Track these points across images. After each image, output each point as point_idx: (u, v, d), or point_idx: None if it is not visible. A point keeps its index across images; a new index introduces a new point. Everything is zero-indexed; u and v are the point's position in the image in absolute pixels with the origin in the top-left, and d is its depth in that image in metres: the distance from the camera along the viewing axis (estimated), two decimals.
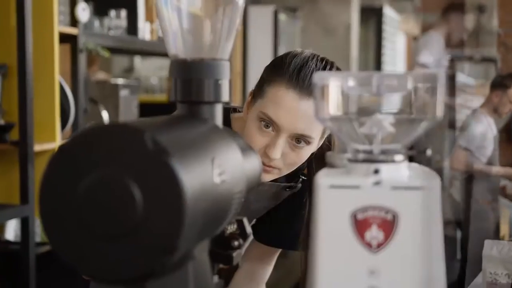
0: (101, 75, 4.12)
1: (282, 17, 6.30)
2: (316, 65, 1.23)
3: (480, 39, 8.96)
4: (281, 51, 6.36)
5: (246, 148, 0.84)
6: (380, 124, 0.69)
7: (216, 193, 0.68)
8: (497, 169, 4.53)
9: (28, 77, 2.39)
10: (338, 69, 1.30)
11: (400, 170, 0.69)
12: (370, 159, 0.69)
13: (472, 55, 5.65)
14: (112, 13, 3.07)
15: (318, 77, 0.70)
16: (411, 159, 0.70)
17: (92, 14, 2.94)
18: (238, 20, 0.83)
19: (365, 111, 0.71)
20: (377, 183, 0.67)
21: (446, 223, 4.41)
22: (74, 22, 2.70)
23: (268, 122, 1.25)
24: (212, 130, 0.75)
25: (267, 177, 1.30)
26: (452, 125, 4.67)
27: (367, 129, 0.70)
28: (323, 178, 0.68)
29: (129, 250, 0.60)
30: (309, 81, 1.20)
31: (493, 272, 1.87)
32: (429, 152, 0.70)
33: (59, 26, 2.58)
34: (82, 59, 2.74)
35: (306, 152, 1.28)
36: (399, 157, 0.69)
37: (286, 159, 1.27)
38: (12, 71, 2.47)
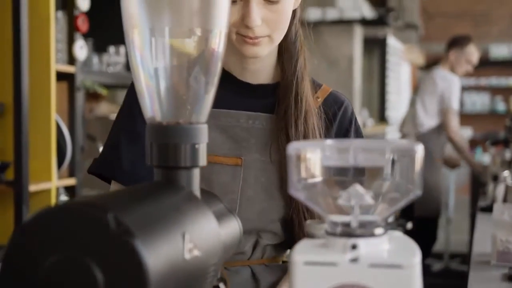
0: (104, 107, 4.11)
1: None
2: None
3: (403, 5, 8.98)
4: None
5: (224, 213, 0.82)
6: (358, 195, 0.67)
7: (188, 270, 0.65)
8: (471, 157, 4.59)
9: (23, 116, 2.38)
10: None
11: (379, 245, 0.66)
12: (347, 232, 0.66)
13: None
14: (111, 49, 3.07)
15: (293, 147, 0.67)
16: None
17: (91, 51, 2.94)
18: (216, 83, 0.81)
19: (343, 182, 0.68)
20: (354, 260, 0.64)
21: None
22: (72, 60, 2.69)
23: None
24: (186, 199, 0.72)
25: (261, 50, 1.20)
26: None
27: (344, 200, 0.67)
28: (299, 255, 0.65)
29: None
30: None
31: (504, 239, 1.72)
32: (409, 225, 0.67)
33: (57, 64, 2.57)
34: (80, 97, 2.73)
35: (287, 6, 1.18)
36: (378, 231, 0.66)
37: (269, 22, 1.17)
38: (9, 110, 2.47)
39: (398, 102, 8.07)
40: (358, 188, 0.67)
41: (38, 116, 2.52)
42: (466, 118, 9.77)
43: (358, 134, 1.33)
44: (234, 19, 1.16)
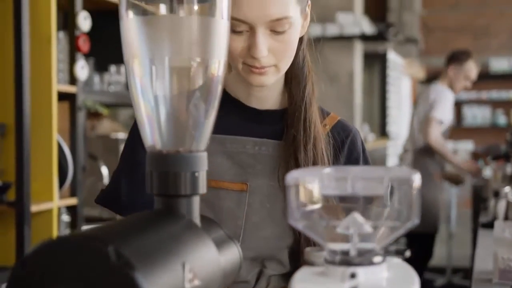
0: (106, 124, 4.13)
1: None
2: None
3: (402, 20, 9.02)
4: None
5: (224, 239, 0.82)
6: (357, 224, 0.67)
7: None
8: (458, 160, 4.57)
9: (25, 136, 2.39)
10: None
11: (378, 273, 0.66)
12: (346, 261, 0.66)
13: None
14: (112, 68, 3.09)
15: (291, 176, 0.68)
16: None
17: (92, 70, 2.95)
18: (215, 110, 0.82)
19: (341, 210, 0.69)
20: None
21: None
22: (73, 79, 2.71)
23: (237, 25, 1.13)
24: (186, 228, 0.73)
25: (267, 79, 1.19)
26: None
27: (343, 229, 0.68)
28: (299, 283, 0.65)
29: None
30: None
31: (506, 257, 1.71)
32: (407, 253, 0.68)
33: (58, 85, 2.59)
34: (81, 116, 2.74)
35: (293, 35, 1.17)
36: (377, 259, 0.67)
37: (275, 52, 1.16)
38: (10, 130, 2.48)
39: (399, 117, 8.09)
40: (356, 216, 0.68)
41: (40, 136, 2.53)
42: (467, 131, 9.79)
43: (367, 165, 1.32)
44: (240, 49, 1.15)
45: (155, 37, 0.77)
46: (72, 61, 2.70)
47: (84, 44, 2.69)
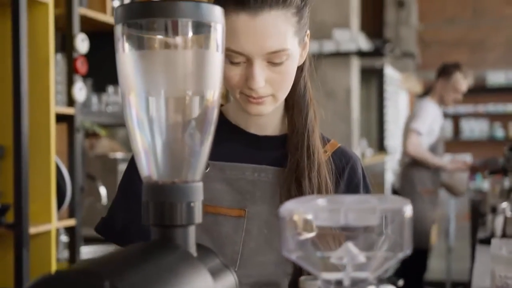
0: (105, 143, 4.14)
1: None
2: None
3: (399, 35, 9.07)
4: None
5: (220, 268, 0.83)
6: (351, 254, 0.68)
7: None
8: (443, 162, 4.54)
9: (24, 158, 2.40)
10: None
11: None
12: None
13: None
14: (110, 89, 3.10)
15: (285, 208, 0.69)
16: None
17: (90, 91, 2.97)
18: (210, 142, 0.83)
19: (335, 240, 0.70)
20: None
21: None
22: (71, 101, 2.72)
23: (234, 56, 1.14)
24: (181, 259, 0.74)
25: (264, 109, 1.20)
26: None
27: (337, 259, 0.69)
28: None
29: None
30: None
31: (503, 275, 1.70)
32: (400, 282, 0.69)
33: (56, 106, 2.60)
34: (79, 138, 2.75)
35: (290, 66, 1.18)
36: None
37: (272, 82, 1.17)
38: (9, 152, 2.49)
39: (396, 131, 8.11)
40: (350, 246, 0.69)
41: (38, 158, 2.54)
42: (465, 144, 9.81)
43: (368, 191, 1.32)
44: (237, 80, 1.16)
45: (151, 71, 0.79)
46: (70, 83, 2.71)
47: (82, 66, 2.71)
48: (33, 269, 2.43)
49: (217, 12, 0.79)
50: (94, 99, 3.01)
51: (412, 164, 4.40)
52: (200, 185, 0.81)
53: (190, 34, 0.78)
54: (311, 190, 1.22)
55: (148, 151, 0.80)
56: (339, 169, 1.29)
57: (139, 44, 0.78)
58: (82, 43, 2.71)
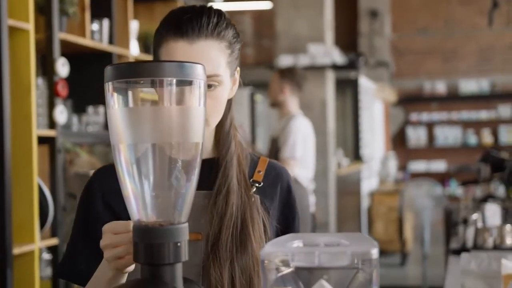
0: (85, 159, 4.17)
1: (259, 98, 6.45)
2: (194, 8, 1.21)
3: (373, 45, 9.22)
4: (259, 131, 6.49)
5: None
6: None
7: None
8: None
9: (6, 180, 2.45)
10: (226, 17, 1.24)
11: None
12: None
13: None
14: (90, 109, 3.16)
15: (264, 252, 0.77)
16: None
17: (70, 112, 3.02)
18: (194, 186, 0.91)
19: (310, 279, 0.78)
20: None
21: None
22: (52, 124, 2.78)
23: None
24: None
25: None
26: None
27: None
28: None
29: None
30: (193, 22, 1.18)
31: None
32: None
33: (38, 129, 2.65)
34: (60, 159, 2.81)
35: (222, 93, 1.23)
36: None
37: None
38: None
39: (372, 140, 8.24)
40: (324, 283, 0.77)
41: (21, 180, 2.59)
42: (439, 151, 9.99)
43: (292, 201, 1.35)
44: None
45: (138, 124, 0.87)
46: (51, 106, 2.77)
47: (62, 89, 2.77)
48: None
49: (199, 70, 0.88)
50: (75, 119, 3.07)
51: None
52: (185, 226, 0.89)
53: (174, 91, 0.86)
54: (218, 212, 1.24)
55: (138, 197, 0.88)
56: (271, 188, 1.33)
57: (127, 101, 0.87)
58: (62, 67, 2.77)
